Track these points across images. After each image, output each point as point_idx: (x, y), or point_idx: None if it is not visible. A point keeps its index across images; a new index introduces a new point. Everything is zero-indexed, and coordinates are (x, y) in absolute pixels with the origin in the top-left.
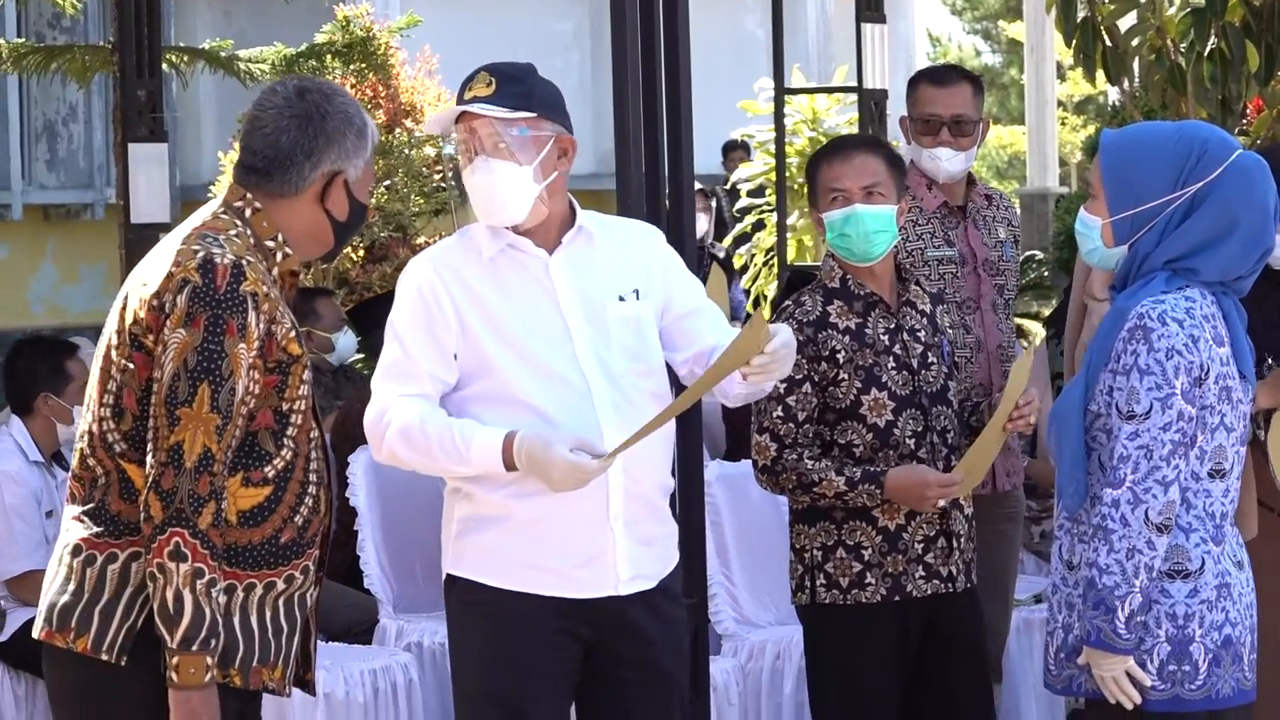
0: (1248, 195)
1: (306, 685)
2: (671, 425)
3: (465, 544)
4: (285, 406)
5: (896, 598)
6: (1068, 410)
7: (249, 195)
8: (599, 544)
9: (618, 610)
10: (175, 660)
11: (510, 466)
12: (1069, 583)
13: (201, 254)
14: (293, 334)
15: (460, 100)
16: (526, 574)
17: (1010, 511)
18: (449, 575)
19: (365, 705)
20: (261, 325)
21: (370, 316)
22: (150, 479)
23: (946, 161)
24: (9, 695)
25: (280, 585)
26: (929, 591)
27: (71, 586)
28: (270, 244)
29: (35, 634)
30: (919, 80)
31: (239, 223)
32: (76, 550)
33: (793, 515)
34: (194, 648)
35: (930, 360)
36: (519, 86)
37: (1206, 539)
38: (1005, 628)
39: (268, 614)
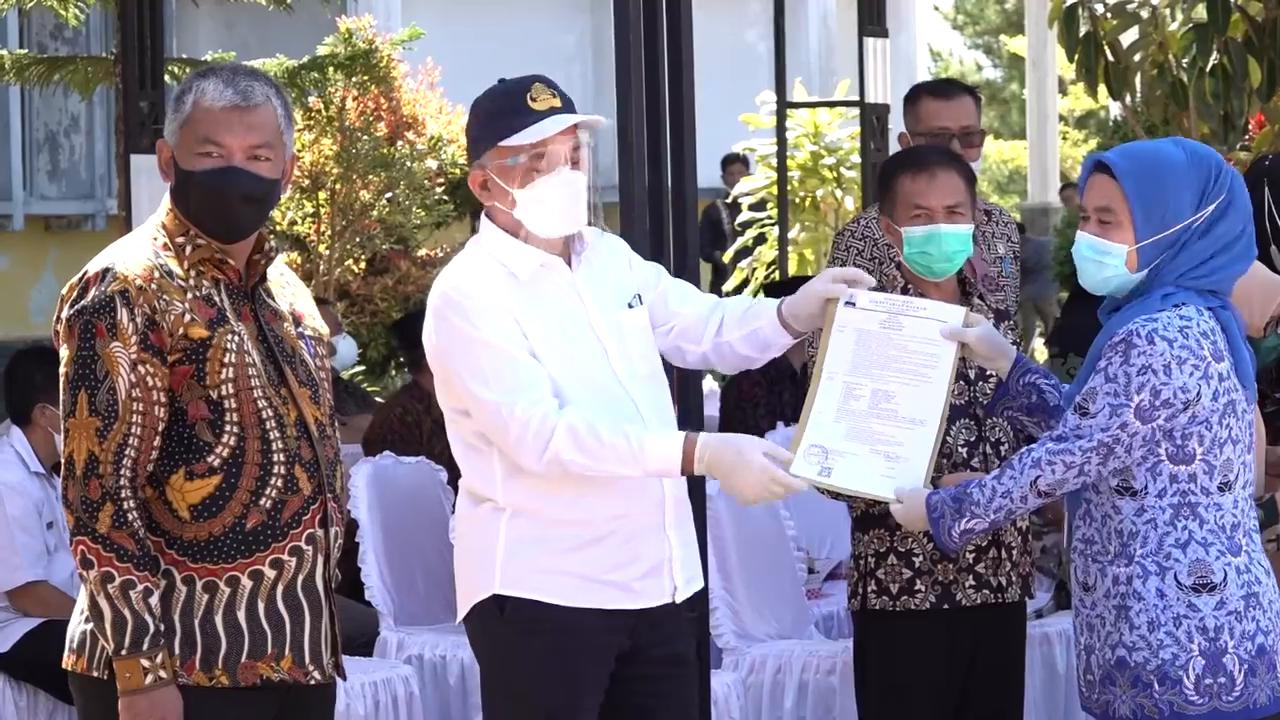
0: (1247, 206)
1: (337, 669)
2: (673, 420)
3: (519, 563)
4: (214, 394)
5: (945, 605)
6: None
7: (167, 196)
8: (659, 553)
9: (658, 615)
10: (115, 667)
11: (687, 471)
12: (1086, 604)
13: (82, 272)
14: (190, 319)
15: (532, 111)
16: (590, 590)
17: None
18: (496, 596)
19: (366, 717)
20: (138, 319)
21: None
22: (61, 494)
23: None
24: (10, 706)
25: (269, 573)
26: (979, 601)
27: (79, 610)
28: (181, 239)
29: (64, 663)
30: (920, 95)
31: (158, 225)
32: (82, 577)
33: (852, 523)
34: (124, 652)
35: (988, 372)
36: (568, 99)
37: (1225, 551)
38: None
39: (260, 606)
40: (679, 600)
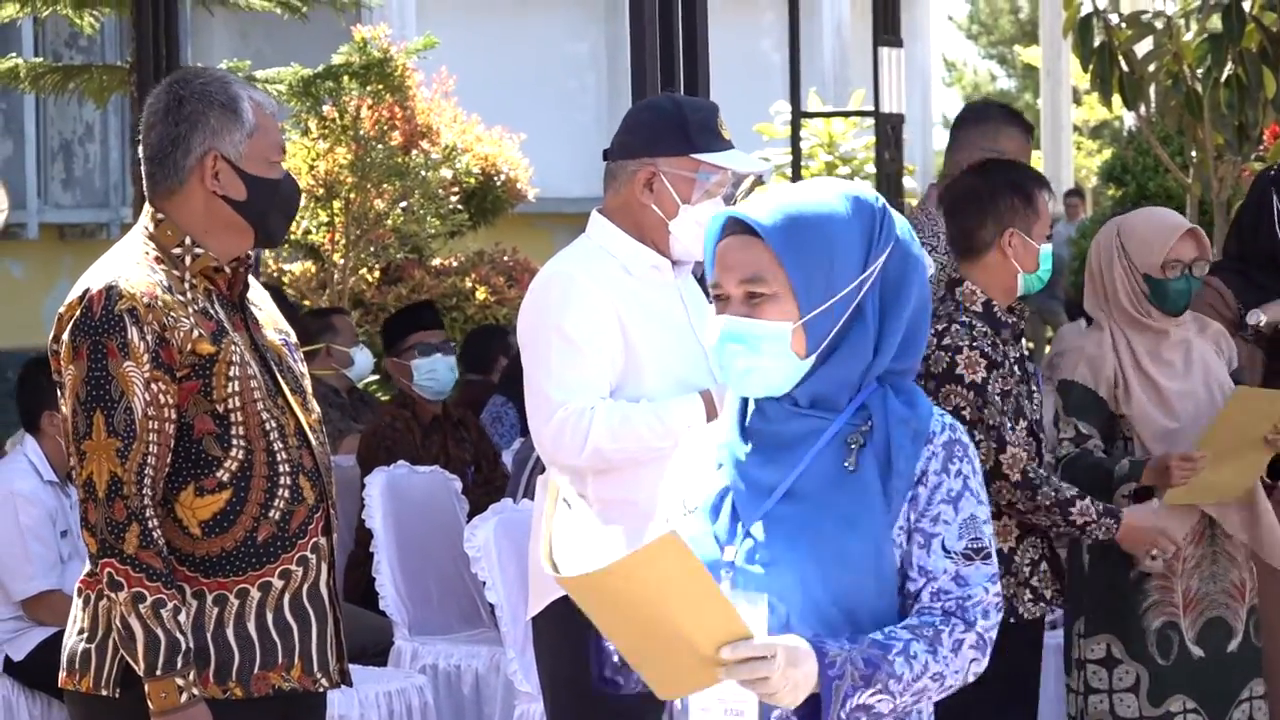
0: (920, 253)
1: (343, 676)
2: None
3: None
4: (220, 409)
5: (1011, 619)
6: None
7: (152, 208)
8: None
9: None
10: (147, 688)
11: (713, 415)
12: None
13: (82, 287)
14: (198, 334)
15: (723, 139)
16: None
17: None
18: None
19: None
20: (149, 337)
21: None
22: (80, 517)
23: None
24: (25, 715)
25: (277, 584)
26: (1037, 614)
27: (76, 629)
28: (177, 250)
29: (59, 683)
30: (1001, 122)
31: (144, 239)
32: (78, 592)
33: None
34: (158, 672)
35: (1033, 388)
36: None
37: None
38: None
39: (269, 616)
40: None
